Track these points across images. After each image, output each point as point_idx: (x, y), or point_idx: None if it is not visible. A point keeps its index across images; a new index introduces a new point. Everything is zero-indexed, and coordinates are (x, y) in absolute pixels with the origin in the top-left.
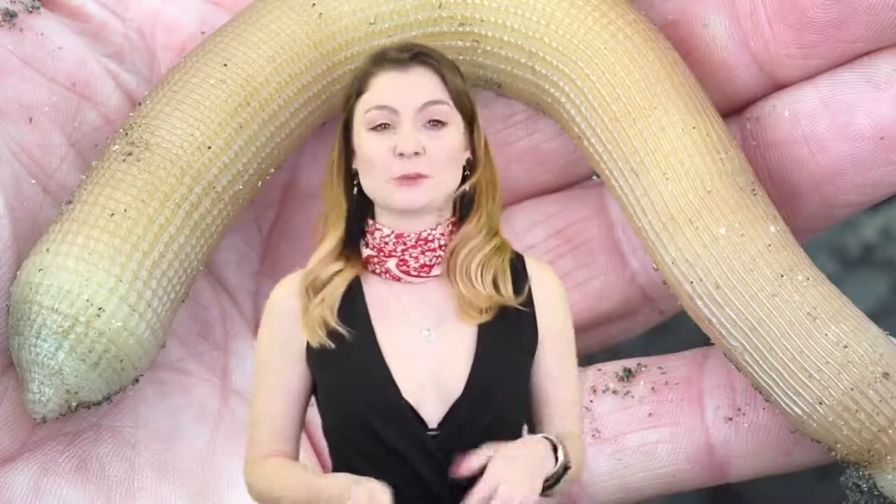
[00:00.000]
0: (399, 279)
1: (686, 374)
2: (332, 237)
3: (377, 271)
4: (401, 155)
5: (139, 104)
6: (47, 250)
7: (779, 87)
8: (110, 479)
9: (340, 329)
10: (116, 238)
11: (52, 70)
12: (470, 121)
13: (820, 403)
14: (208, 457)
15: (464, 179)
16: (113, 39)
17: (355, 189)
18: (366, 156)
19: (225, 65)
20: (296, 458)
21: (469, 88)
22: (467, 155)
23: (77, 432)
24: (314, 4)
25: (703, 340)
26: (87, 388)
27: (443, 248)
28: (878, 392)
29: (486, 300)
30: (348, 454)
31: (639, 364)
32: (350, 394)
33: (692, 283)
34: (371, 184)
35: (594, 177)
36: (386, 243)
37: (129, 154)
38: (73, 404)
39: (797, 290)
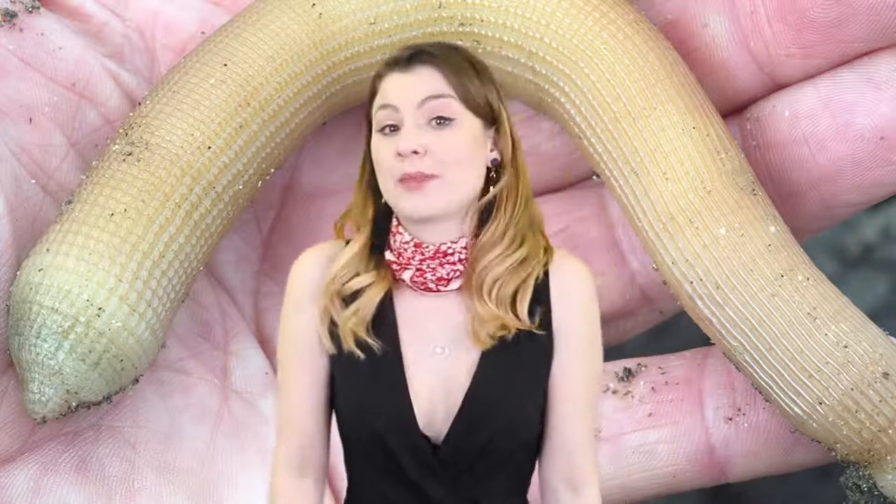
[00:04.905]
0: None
1: (686, 375)
2: (357, 241)
3: (398, 278)
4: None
5: (139, 104)
6: (47, 250)
7: (779, 87)
8: (110, 479)
9: (371, 342)
10: (116, 238)
11: (52, 70)
12: (492, 121)
13: (820, 403)
14: (208, 457)
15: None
16: (113, 39)
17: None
18: (375, 158)
19: (225, 65)
20: (326, 443)
21: (490, 88)
22: (493, 156)
23: (77, 432)
24: (314, 4)
25: (703, 340)
26: (87, 388)
27: (463, 261)
28: (878, 392)
29: (497, 321)
30: (358, 458)
31: (639, 364)
32: (366, 402)
33: (692, 283)
34: (382, 187)
35: (594, 177)
36: (405, 250)
37: (129, 154)
38: (73, 404)
39: (797, 290)
